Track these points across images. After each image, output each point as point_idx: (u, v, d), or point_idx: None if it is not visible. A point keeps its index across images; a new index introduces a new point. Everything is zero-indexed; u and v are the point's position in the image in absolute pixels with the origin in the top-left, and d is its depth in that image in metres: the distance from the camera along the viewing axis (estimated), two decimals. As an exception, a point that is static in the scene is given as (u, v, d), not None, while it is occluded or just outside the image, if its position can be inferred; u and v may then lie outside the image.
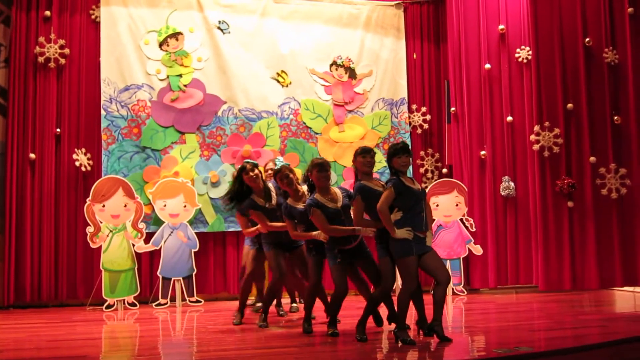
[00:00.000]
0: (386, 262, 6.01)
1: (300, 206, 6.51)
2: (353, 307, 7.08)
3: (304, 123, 10.02)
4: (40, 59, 9.09)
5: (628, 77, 9.36)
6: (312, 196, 6.28)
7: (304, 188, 6.67)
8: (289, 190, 6.59)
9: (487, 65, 9.91)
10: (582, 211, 9.37)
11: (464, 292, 9.51)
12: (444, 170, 10.35)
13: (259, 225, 6.99)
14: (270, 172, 7.68)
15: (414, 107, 10.44)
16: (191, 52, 9.66)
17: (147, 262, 9.15)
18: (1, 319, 7.96)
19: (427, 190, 9.43)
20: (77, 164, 9.08)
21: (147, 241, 8.96)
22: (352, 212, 6.20)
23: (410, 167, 9.78)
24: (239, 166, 7.14)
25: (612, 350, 5.56)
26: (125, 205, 8.87)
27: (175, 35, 9.63)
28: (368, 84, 10.36)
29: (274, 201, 6.93)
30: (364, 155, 6.13)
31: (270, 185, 7.03)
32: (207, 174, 9.48)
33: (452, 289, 9.37)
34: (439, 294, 5.90)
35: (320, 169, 6.27)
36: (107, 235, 8.74)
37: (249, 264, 7.44)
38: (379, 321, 6.75)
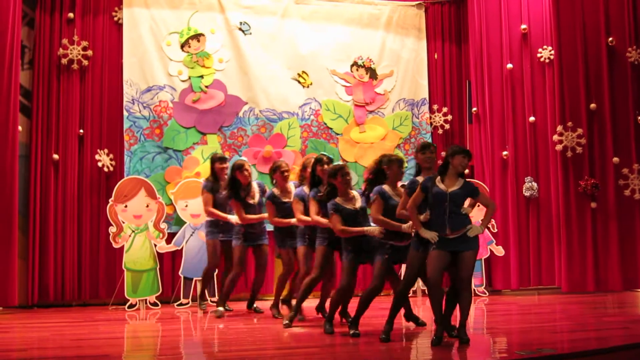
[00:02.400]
0: (415, 257, 6.06)
1: (350, 206, 6.54)
2: (377, 307, 7.05)
3: (325, 124, 10.03)
4: (64, 61, 9.17)
5: (652, 76, 9.30)
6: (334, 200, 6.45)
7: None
8: (342, 187, 6.58)
9: (509, 65, 9.86)
10: (605, 212, 9.29)
11: (485, 294, 9.46)
12: (466, 171, 10.26)
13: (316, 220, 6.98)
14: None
15: (435, 107, 10.41)
16: (212, 53, 9.70)
17: (168, 262, 9.20)
18: (25, 318, 8.04)
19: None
20: (99, 164, 9.15)
21: (168, 241, 9.01)
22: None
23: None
24: (315, 157, 7.24)
25: (635, 352, 5.52)
26: (147, 206, 8.92)
27: (197, 36, 9.68)
28: (389, 85, 10.34)
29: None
30: (424, 152, 6.17)
31: None
32: (229, 175, 9.51)
33: (474, 289, 9.33)
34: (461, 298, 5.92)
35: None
36: (130, 236, 8.80)
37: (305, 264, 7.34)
38: (416, 320, 6.85)
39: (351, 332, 6.30)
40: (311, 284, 6.98)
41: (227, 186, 7.91)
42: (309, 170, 7.24)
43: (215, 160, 8.39)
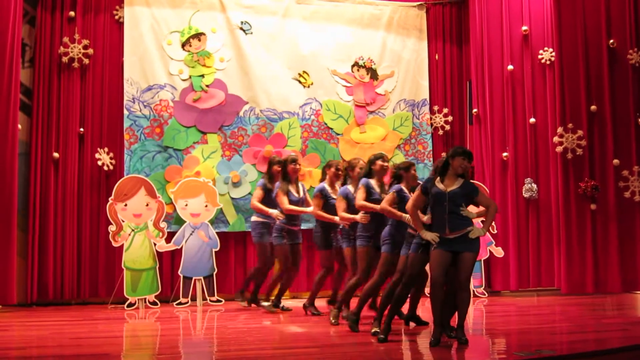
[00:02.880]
0: (415, 259, 6.08)
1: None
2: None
3: (325, 124, 10.02)
4: (65, 59, 9.17)
5: (653, 79, 9.29)
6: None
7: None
8: (410, 182, 6.69)
9: (510, 67, 9.86)
10: (605, 214, 9.29)
11: (484, 295, 9.47)
12: (466, 172, 10.29)
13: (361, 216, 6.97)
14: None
15: (435, 108, 10.41)
16: (213, 53, 9.70)
17: (168, 262, 9.20)
18: (24, 317, 8.04)
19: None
20: (99, 163, 9.16)
21: (168, 240, 9.01)
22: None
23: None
24: (376, 154, 7.19)
25: (634, 354, 5.51)
26: (147, 205, 8.93)
27: (198, 35, 9.68)
28: (389, 85, 10.34)
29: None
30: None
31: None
32: (229, 174, 9.52)
33: (473, 291, 9.32)
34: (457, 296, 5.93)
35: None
36: (129, 234, 8.80)
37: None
38: (419, 321, 6.92)
39: (373, 330, 6.30)
40: (355, 286, 7.00)
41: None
42: (357, 170, 7.27)
43: (290, 162, 8.30)
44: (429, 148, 10.30)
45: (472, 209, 6.11)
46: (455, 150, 6.01)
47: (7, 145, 8.45)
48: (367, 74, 10.28)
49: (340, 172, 7.81)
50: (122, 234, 8.78)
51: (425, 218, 6.06)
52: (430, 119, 10.39)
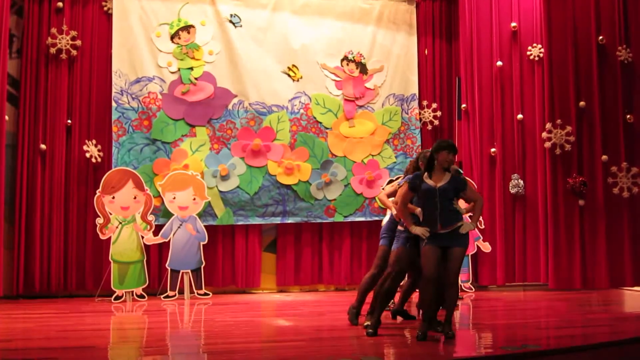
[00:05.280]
0: (403, 252, 6.10)
1: None
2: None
3: (314, 118, 10.00)
4: (52, 50, 9.11)
5: (641, 75, 9.33)
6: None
7: None
8: None
9: (499, 63, 9.87)
10: (593, 210, 9.33)
11: (472, 289, 9.49)
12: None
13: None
14: None
15: (424, 103, 10.41)
16: (202, 45, 9.66)
17: (155, 254, 9.18)
18: (10, 309, 8.00)
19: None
20: (87, 155, 9.11)
21: (156, 233, 8.97)
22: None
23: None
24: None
25: (620, 349, 5.53)
26: (135, 197, 8.89)
27: (187, 28, 9.63)
28: (379, 80, 10.33)
29: None
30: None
31: None
32: (217, 167, 9.49)
33: (460, 285, 9.34)
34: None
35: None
36: (117, 227, 8.76)
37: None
38: (406, 315, 6.90)
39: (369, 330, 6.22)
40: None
41: None
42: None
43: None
44: (417, 143, 10.29)
45: (461, 203, 6.11)
46: (440, 145, 5.97)
47: (-6, 137, 8.41)
48: (357, 68, 10.26)
49: None
50: (110, 226, 8.75)
51: (418, 210, 6.03)
52: (419, 113, 10.39)
